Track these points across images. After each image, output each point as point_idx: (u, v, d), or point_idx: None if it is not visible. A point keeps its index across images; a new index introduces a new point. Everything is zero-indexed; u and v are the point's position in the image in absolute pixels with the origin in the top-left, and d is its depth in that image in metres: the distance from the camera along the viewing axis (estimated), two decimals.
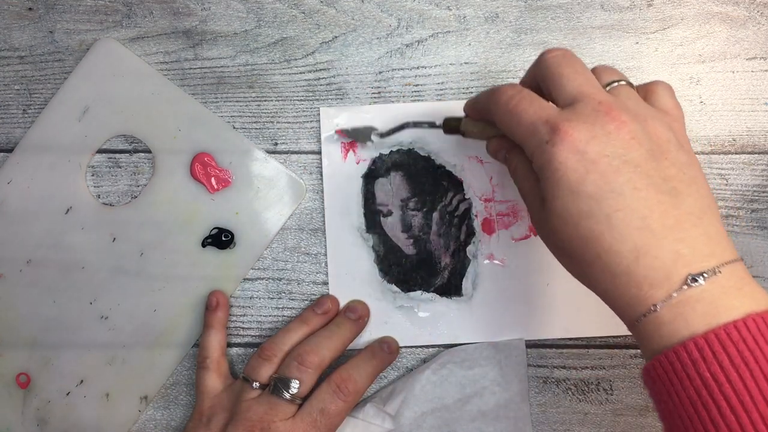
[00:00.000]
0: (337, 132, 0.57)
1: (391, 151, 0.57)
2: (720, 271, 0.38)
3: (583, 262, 0.40)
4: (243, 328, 0.58)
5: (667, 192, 0.39)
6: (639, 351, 0.57)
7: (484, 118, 0.48)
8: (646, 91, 0.45)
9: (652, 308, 0.38)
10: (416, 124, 0.54)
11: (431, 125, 0.53)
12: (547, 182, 0.40)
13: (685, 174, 0.40)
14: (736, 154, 0.57)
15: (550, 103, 0.42)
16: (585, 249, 0.40)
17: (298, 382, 0.51)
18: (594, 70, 0.45)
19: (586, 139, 0.39)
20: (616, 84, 0.44)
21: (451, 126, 0.51)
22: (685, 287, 0.37)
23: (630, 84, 0.44)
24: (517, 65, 0.57)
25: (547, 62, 0.44)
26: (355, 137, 0.57)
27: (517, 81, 0.57)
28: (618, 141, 0.39)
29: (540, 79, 0.44)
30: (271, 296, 0.58)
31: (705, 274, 0.37)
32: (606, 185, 0.38)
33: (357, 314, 0.56)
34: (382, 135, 0.56)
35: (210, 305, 0.56)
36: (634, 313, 0.39)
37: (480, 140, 0.50)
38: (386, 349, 0.56)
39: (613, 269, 0.39)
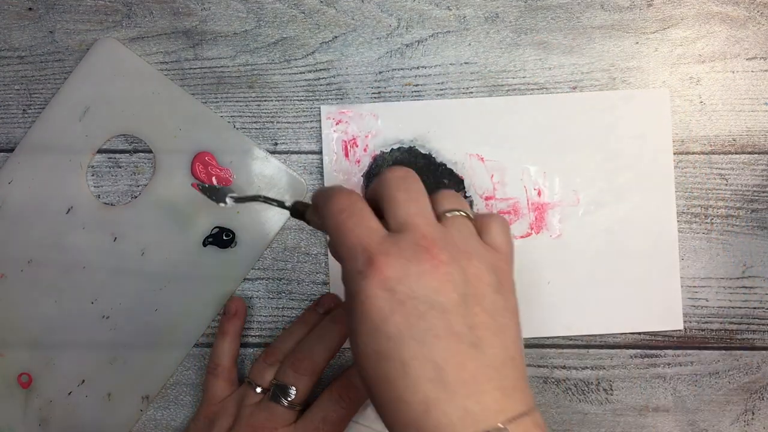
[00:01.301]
0: (193, 185, 0.56)
1: (392, 149, 0.57)
2: (506, 429, 0.36)
3: (379, 403, 0.38)
4: (243, 328, 0.58)
5: (470, 343, 0.37)
6: (639, 351, 0.57)
7: None
8: (481, 224, 0.42)
9: None
10: (267, 200, 0.51)
11: (280, 204, 0.49)
12: (353, 314, 0.38)
13: (496, 321, 0.38)
14: (736, 154, 0.57)
15: (379, 225, 0.40)
16: (380, 391, 0.38)
17: (294, 389, 0.51)
18: (435, 196, 0.43)
19: (398, 277, 0.37)
20: (451, 214, 0.41)
21: (297, 211, 0.48)
22: None
23: (468, 215, 0.42)
24: (517, 65, 0.57)
25: (385, 182, 0.42)
26: (210, 194, 0.55)
27: (516, 81, 0.57)
28: (431, 282, 0.37)
29: (378, 197, 0.42)
30: (271, 296, 0.58)
31: None
32: (407, 330, 0.37)
33: (324, 308, 0.56)
34: (236, 199, 0.54)
35: (228, 311, 0.56)
36: None
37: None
38: None
39: (402, 419, 0.37)
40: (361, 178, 0.57)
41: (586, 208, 0.57)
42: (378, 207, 0.42)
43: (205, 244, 0.57)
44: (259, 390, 0.53)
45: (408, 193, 0.41)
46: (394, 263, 0.37)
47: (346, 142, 0.57)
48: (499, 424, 0.36)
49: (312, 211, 0.46)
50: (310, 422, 0.51)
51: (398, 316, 0.37)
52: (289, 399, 0.51)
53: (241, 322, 0.57)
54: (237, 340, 0.56)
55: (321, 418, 0.51)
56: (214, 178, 0.57)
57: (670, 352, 0.57)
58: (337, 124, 0.57)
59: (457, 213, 0.41)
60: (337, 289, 0.57)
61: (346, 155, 0.57)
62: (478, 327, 0.37)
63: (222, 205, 0.54)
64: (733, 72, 0.57)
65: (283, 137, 0.58)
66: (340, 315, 0.55)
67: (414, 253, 0.38)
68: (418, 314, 0.37)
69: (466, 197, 0.57)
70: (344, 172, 0.57)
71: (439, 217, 0.41)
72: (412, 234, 0.39)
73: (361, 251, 0.38)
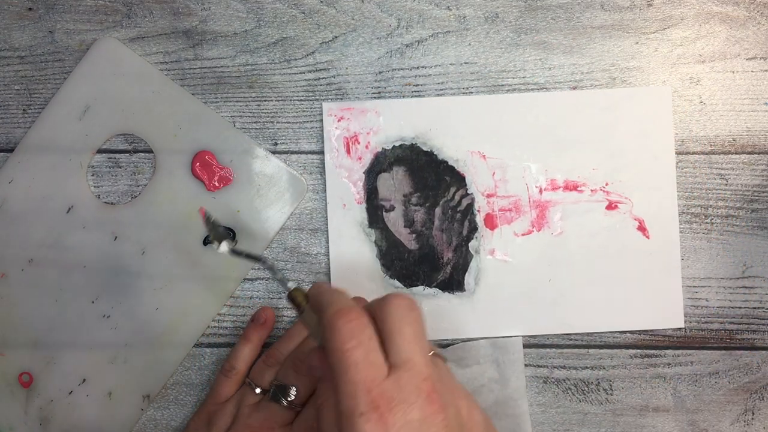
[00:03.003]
0: (200, 211, 0.56)
1: (394, 146, 0.57)
2: None
3: None
4: (243, 328, 0.58)
5: None
6: (639, 351, 0.57)
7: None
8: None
9: None
10: (272, 270, 0.48)
11: (282, 283, 0.47)
12: None
13: None
14: (736, 154, 0.57)
15: (382, 362, 0.40)
16: None
17: (295, 389, 0.51)
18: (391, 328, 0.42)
19: (399, 425, 0.37)
20: (431, 353, 0.42)
21: (294, 301, 0.46)
22: None
23: (440, 355, 0.44)
24: (517, 65, 0.57)
25: (389, 310, 0.41)
26: (211, 229, 0.52)
27: (517, 81, 0.57)
28: (430, 429, 0.38)
29: (379, 321, 0.42)
30: (271, 296, 0.58)
31: None
32: None
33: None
34: (233, 250, 0.51)
35: (257, 320, 0.56)
36: None
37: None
38: None
39: None
40: (363, 174, 0.57)
41: (588, 206, 0.57)
42: (374, 318, 0.41)
43: (205, 243, 0.57)
44: (258, 391, 0.53)
45: (412, 326, 0.41)
46: (396, 409, 0.38)
47: (347, 138, 0.57)
48: None
49: (309, 310, 0.45)
50: (305, 421, 0.51)
51: None
52: (289, 399, 0.51)
53: (268, 332, 0.57)
54: (258, 349, 0.56)
55: (315, 415, 0.51)
56: (214, 178, 0.57)
57: (670, 352, 0.57)
58: (338, 121, 0.57)
59: (432, 353, 0.43)
60: (340, 284, 0.57)
61: (348, 152, 0.58)
62: None
63: (214, 247, 0.52)
64: (733, 72, 0.57)
65: (284, 137, 0.58)
66: None
67: (416, 397, 0.38)
68: None
69: (467, 195, 0.57)
70: (346, 168, 0.57)
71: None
72: (413, 375, 0.39)
73: (365, 392, 0.38)
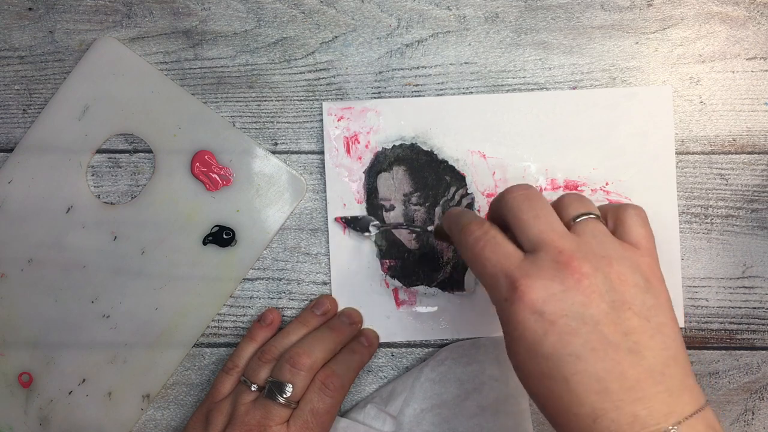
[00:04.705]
0: (336, 219, 0.57)
1: (394, 145, 0.57)
2: (678, 430, 0.37)
3: (549, 416, 0.40)
4: (243, 328, 0.58)
5: (627, 349, 0.38)
6: None
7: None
8: (615, 220, 0.43)
9: None
10: (409, 227, 0.55)
11: (423, 230, 0.53)
12: (508, 338, 0.40)
13: (650, 322, 0.39)
14: (736, 154, 0.57)
15: (515, 249, 0.41)
16: (545, 405, 0.39)
17: (291, 386, 0.51)
18: (559, 201, 0.44)
19: (543, 298, 0.38)
20: (581, 219, 0.42)
21: (440, 235, 0.51)
22: None
23: (597, 216, 0.43)
24: (517, 65, 0.57)
25: (508, 204, 0.43)
26: (354, 225, 0.57)
27: (517, 81, 0.57)
28: (577, 297, 0.38)
29: (504, 219, 0.43)
30: (271, 296, 0.58)
31: None
32: (563, 348, 0.38)
33: (351, 320, 0.56)
34: (380, 228, 0.57)
35: (264, 320, 0.57)
36: None
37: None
38: (365, 342, 0.56)
39: (572, 428, 0.38)
40: (363, 174, 0.57)
41: None
42: (504, 225, 0.42)
43: (205, 242, 0.57)
44: (254, 388, 0.53)
45: (534, 210, 0.42)
46: (537, 285, 0.38)
47: (347, 138, 0.57)
48: (669, 427, 0.37)
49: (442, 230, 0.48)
50: (300, 417, 0.51)
51: (552, 336, 0.38)
52: (285, 396, 0.51)
53: (272, 333, 0.57)
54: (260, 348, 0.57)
55: (309, 410, 0.51)
56: (214, 177, 0.57)
57: None
58: (338, 120, 0.57)
59: (585, 217, 0.42)
60: (337, 289, 0.57)
61: (348, 151, 0.58)
62: (633, 332, 0.38)
63: (366, 234, 0.57)
64: (733, 72, 0.57)
65: (283, 137, 0.58)
66: (336, 324, 0.55)
67: (555, 272, 0.39)
68: (570, 331, 0.38)
69: (467, 194, 0.57)
70: (346, 168, 0.57)
71: (568, 225, 0.42)
72: (547, 251, 0.40)
73: (503, 278, 0.40)
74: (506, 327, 0.40)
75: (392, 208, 0.57)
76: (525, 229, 0.41)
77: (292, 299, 0.58)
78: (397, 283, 0.58)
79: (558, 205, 0.43)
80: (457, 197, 0.57)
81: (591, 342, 0.38)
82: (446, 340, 0.58)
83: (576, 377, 0.38)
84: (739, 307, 0.57)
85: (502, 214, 0.43)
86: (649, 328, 0.39)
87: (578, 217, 0.42)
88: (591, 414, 0.37)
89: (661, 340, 0.39)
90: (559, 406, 0.38)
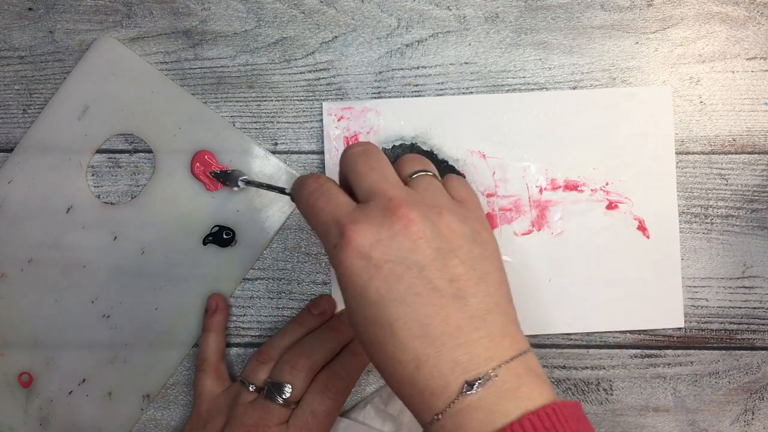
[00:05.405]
0: (208, 174, 0.57)
1: (394, 145, 0.57)
2: (496, 375, 0.37)
3: (376, 365, 0.40)
4: (243, 328, 0.58)
5: (451, 295, 0.38)
6: (639, 351, 0.57)
7: None
8: (443, 183, 0.44)
9: (435, 417, 0.37)
10: (270, 188, 0.52)
11: (282, 192, 0.51)
12: (339, 285, 0.40)
13: (475, 271, 0.39)
14: (736, 154, 0.57)
15: (348, 200, 0.41)
16: (373, 353, 0.39)
17: (290, 386, 0.51)
18: (399, 161, 0.44)
19: (370, 243, 0.38)
20: (416, 175, 0.43)
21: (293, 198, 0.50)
22: (463, 395, 0.37)
23: (434, 174, 0.43)
24: (517, 65, 0.57)
25: (346, 159, 0.43)
26: (223, 180, 0.56)
27: (517, 81, 0.57)
28: (403, 243, 0.38)
29: (344, 176, 0.44)
30: (271, 296, 0.58)
31: (480, 380, 0.37)
32: (388, 293, 0.38)
33: (319, 309, 0.56)
34: (248, 182, 0.56)
35: (209, 308, 0.56)
36: (422, 420, 0.38)
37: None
38: None
39: (397, 377, 0.38)
40: None
41: (588, 206, 0.57)
42: (349, 186, 0.43)
43: (205, 242, 0.57)
44: (252, 389, 0.53)
45: (369, 163, 0.42)
46: (364, 230, 0.39)
47: (347, 138, 0.57)
48: (490, 371, 0.37)
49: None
50: (300, 418, 0.51)
51: (377, 281, 0.38)
52: (284, 396, 0.51)
53: (223, 317, 0.57)
54: (221, 336, 0.57)
55: (310, 412, 0.51)
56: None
57: (670, 352, 0.57)
58: (338, 120, 0.57)
59: (422, 173, 0.43)
60: (338, 289, 0.57)
61: None
62: (458, 279, 0.39)
63: (235, 189, 0.56)
64: (733, 72, 0.57)
65: (283, 137, 0.58)
66: (337, 323, 0.55)
67: (383, 218, 0.39)
68: (395, 276, 0.38)
69: None
70: None
71: (405, 180, 0.43)
72: (378, 199, 0.40)
73: (334, 226, 0.40)
74: (337, 275, 0.40)
75: None
76: (360, 180, 0.42)
77: (292, 299, 0.58)
78: None
79: (398, 164, 0.44)
80: None
81: (415, 287, 0.38)
82: None
83: (399, 322, 0.38)
84: (739, 307, 0.57)
85: (342, 171, 0.44)
86: (474, 275, 0.39)
87: (415, 173, 0.43)
88: (414, 360, 0.37)
89: (485, 288, 0.39)
90: (384, 353, 0.38)
